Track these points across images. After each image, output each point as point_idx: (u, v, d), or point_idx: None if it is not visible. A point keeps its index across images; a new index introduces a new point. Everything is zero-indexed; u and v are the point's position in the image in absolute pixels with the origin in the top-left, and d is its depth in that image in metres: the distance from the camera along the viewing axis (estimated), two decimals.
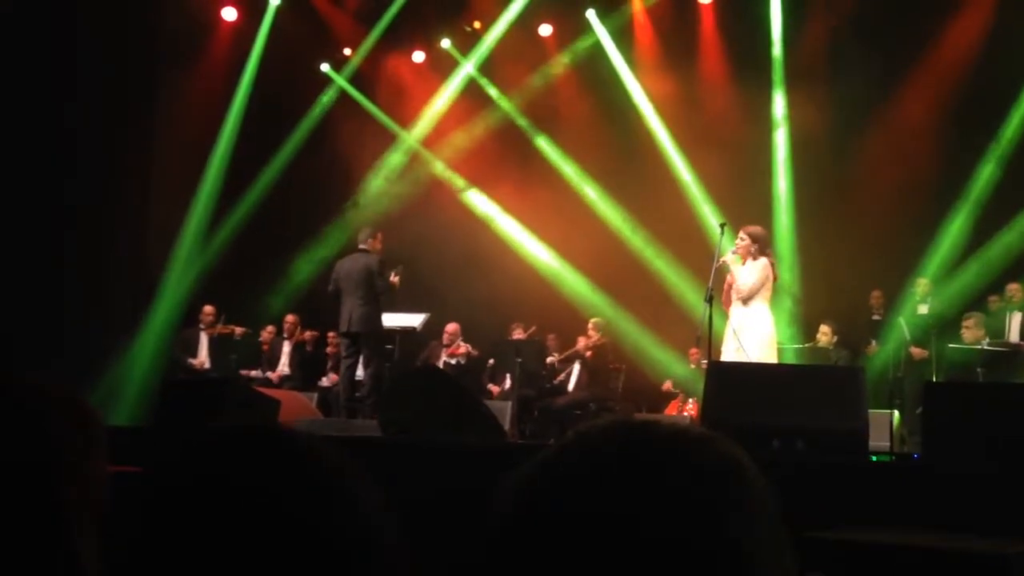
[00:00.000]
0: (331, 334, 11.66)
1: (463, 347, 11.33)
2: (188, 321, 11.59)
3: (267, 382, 11.08)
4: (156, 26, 11.03)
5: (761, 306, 7.67)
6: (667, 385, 11.57)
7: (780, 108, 11.94)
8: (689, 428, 0.86)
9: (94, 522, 1.27)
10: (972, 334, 9.33)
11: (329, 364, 11.55)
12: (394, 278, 9.30)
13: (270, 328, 12.02)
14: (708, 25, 12.41)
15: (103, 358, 10.17)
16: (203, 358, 11.33)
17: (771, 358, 7.68)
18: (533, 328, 11.43)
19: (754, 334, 7.56)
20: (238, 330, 11.59)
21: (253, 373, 11.58)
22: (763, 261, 7.74)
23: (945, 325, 9.75)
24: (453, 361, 11.27)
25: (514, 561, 0.78)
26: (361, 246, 9.43)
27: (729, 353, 7.50)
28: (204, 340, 11.53)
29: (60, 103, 9.78)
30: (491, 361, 11.47)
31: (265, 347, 11.92)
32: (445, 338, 11.39)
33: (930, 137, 10.81)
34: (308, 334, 11.83)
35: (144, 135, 11.00)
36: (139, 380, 10.66)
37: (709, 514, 0.77)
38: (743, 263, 7.71)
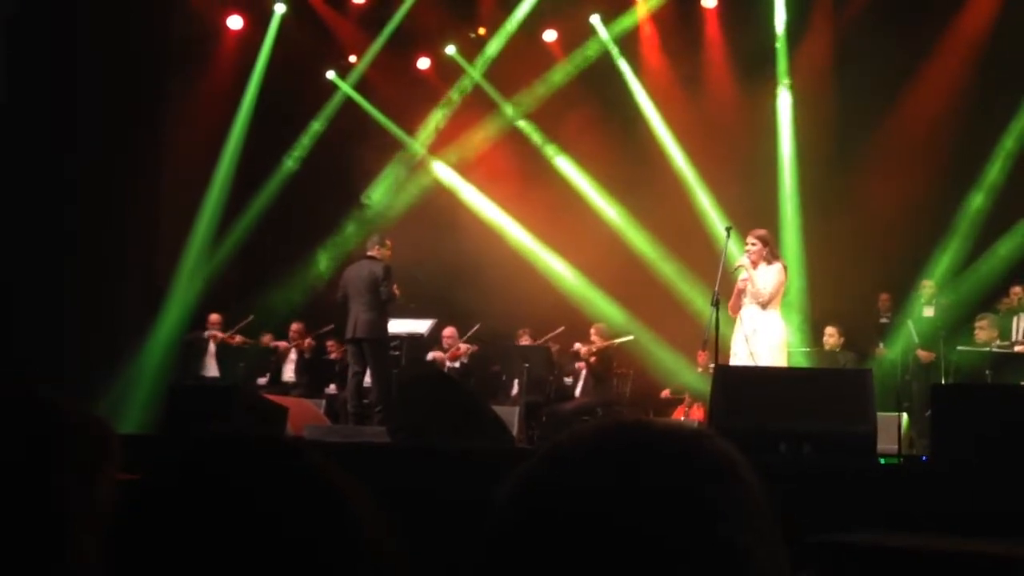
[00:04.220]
0: (330, 342, 11.69)
1: (463, 347, 11.35)
2: (194, 328, 11.64)
3: (276, 389, 11.10)
4: (162, 35, 11.06)
5: (774, 311, 7.66)
6: (665, 393, 11.54)
7: (786, 110, 11.94)
8: (682, 426, 0.86)
9: (98, 529, 1.28)
10: (986, 334, 9.29)
11: (337, 369, 11.57)
12: (395, 288, 9.31)
13: (267, 337, 12.04)
14: (712, 29, 12.41)
15: (112, 365, 10.19)
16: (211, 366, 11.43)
17: (783, 363, 7.66)
18: (560, 329, 11.35)
19: (767, 339, 7.53)
20: (238, 339, 11.62)
21: (262, 381, 11.62)
22: (778, 265, 7.73)
23: (952, 327, 9.72)
24: (456, 364, 11.28)
25: (511, 562, 0.78)
26: (369, 253, 9.45)
27: (741, 358, 7.48)
28: (212, 348, 11.58)
29: (67, 111, 9.81)
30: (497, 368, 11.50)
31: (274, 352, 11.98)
32: (444, 343, 11.40)
33: (937, 139, 10.80)
34: (307, 342, 11.86)
35: (151, 143, 11.03)
36: (147, 387, 10.68)
37: (702, 511, 0.77)
38: (755, 268, 7.69)
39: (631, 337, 11.06)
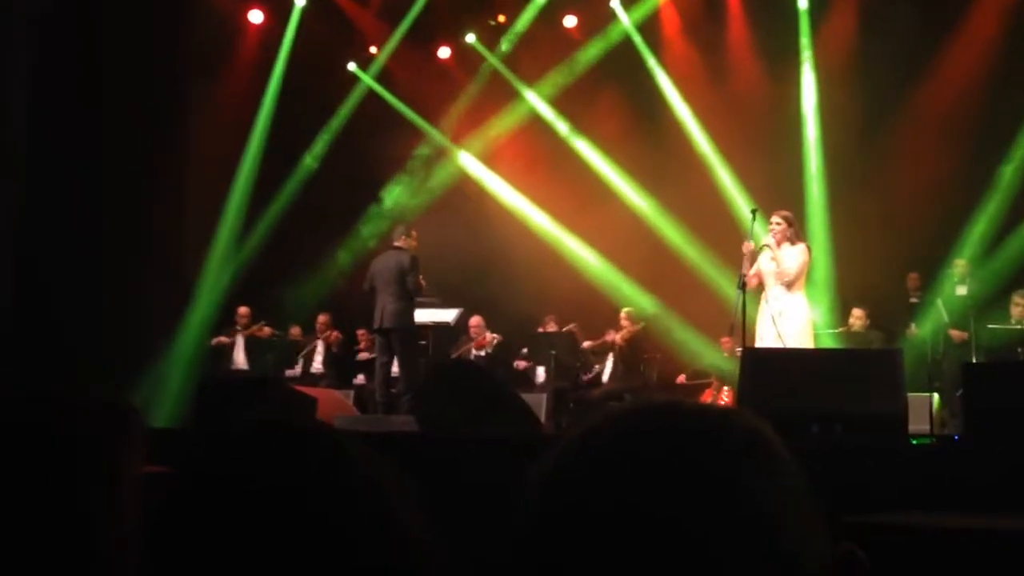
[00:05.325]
0: (360, 332, 11.73)
1: (489, 337, 11.36)
2: (223, 323, 11.73)
3: (304, 381, 11.16)
4: (183, 31, 11.11)
5: (799, 292, 7.64)
6: (681, 378, 11.50)
7: (810, 88, 11.83)
8: (711, 405, 0.85)
9: (127, 524, 1.29)
10: (1022, 311, 9.19)
11: (365, 359, 11.61)
12: (421, 280, 9.33)
13: (295, 329, 12.09)
14: (735, 8, 12.32)
15: (143, 361, 10.28)
16: (240, 359, 11.50)
17: (809, 345, 7.63)
18: (574, 324, 11.37)
19: (794, 321, 7.52)
20: (266, 330, 11.70)
21: (290, 373, 11.69)
22: (801, 246, 7.73)
23: (984, 306, 9.62)
24: (482, 353, 11.29)
25: (542, 551, 0.77)
26: (395, 243, 9.50)
27: (768, 340, 7.46)
28: (240, 341, 11.66)
29: (90, 109, 9.87)
30: (525, 350, 11.52)
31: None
32: (471, 332, 11.41)
33: (965, 112, 10.66)
34: (334, 335, 11.90)
35: (176, 138, 11.09)
36: (178, 381, 10.77)
37: (735, 489, 0.76)
38: (778, 247, 7.67)
39: (642, 325, 11.02)
